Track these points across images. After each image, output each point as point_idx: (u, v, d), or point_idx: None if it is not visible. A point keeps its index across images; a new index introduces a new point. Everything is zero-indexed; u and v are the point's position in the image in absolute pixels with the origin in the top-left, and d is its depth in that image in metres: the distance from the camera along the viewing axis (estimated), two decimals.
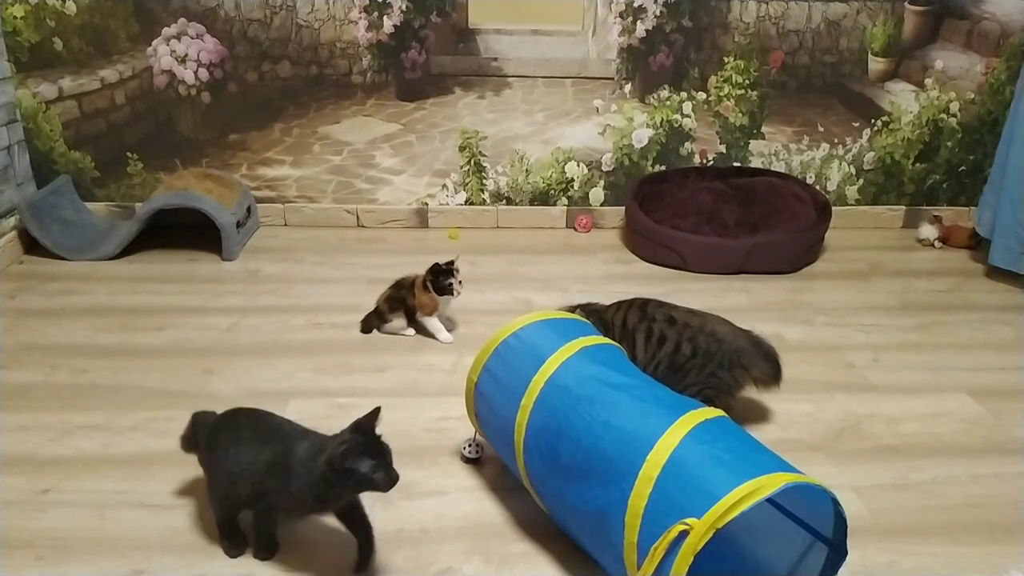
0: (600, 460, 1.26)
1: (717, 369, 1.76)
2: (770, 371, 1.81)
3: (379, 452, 1.25)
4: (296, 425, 1.41)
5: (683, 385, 1.76)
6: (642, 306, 1.87)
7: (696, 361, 1.77)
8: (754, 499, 1.08)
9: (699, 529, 1.07)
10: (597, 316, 1.89)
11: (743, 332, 1.82)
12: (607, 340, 1.56)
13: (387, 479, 1.24)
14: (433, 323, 2.20)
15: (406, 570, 1.42)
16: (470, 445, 1.70)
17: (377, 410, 1.29)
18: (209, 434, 1.43)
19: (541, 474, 1.40)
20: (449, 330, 2.23)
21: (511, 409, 1.44)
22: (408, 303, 2.20)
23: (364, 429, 1.27)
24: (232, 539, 1.43)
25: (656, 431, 1.22)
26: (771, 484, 1.09)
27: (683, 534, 1.09)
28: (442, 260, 2.16)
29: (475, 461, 1.70)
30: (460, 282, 2.16)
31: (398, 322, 2.22)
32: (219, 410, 1.86)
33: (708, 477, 1.13)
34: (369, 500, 1.56)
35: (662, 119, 2.99)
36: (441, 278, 2.14)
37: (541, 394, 1.41)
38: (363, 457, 1.23)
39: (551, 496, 1.41)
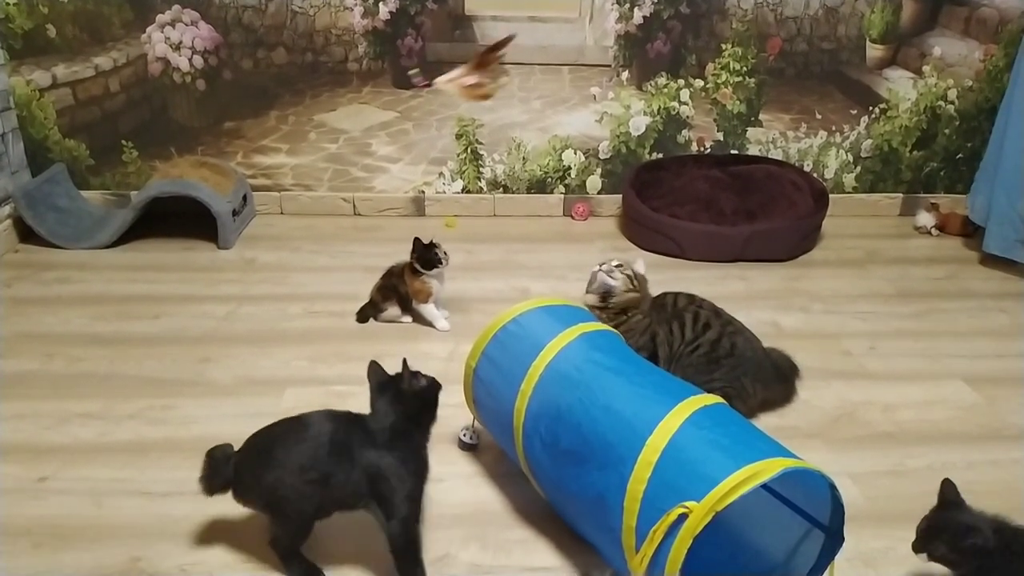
0: (599, 445, 1.27)
1: (743, 375, 1.79)
2: (782, 393, 1.89)
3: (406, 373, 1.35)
4: (318, 412, 1.36)
5: (711, 378, 1.77)
6: (689, 295, 1.92)
7: (731, 360, 1.79)
8: (753, 483, 1.08)
9: (698, 512, 1.08)
10: (651, 303, 1.93)
11: (769, 353, 1.87)
12: (606, 326, 1.56)
13: (432, 380, 1.37)
14: (429, 310, 2.20)
15: None
16: (467, 431, 1.71)
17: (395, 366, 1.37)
18: (247, 466, 1.31)
19: (540, 459, 1.40)
20: (444, 317, 2.23)
21: (510, 394, 1.44)
22: (400, 290, 2.19)
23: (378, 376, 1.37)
24: (306, 569, 1.36)
25: (655, 416, 1.22)
26: (770, 469, 1.09)
27: (682, 517, 1.09)
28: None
29: (472, 447, 1.70)
30: (445, 252, 2.15)
31: (393, 310, 2.22)
32: (218, 400, 1.87)
33: (707, 461, 1.13)
34: None
35: (659, 107, 2.98)
36: (425, 252, 2.13)
37: (540, 379, 1.41)
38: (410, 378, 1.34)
39: (549, 481, 1.41)
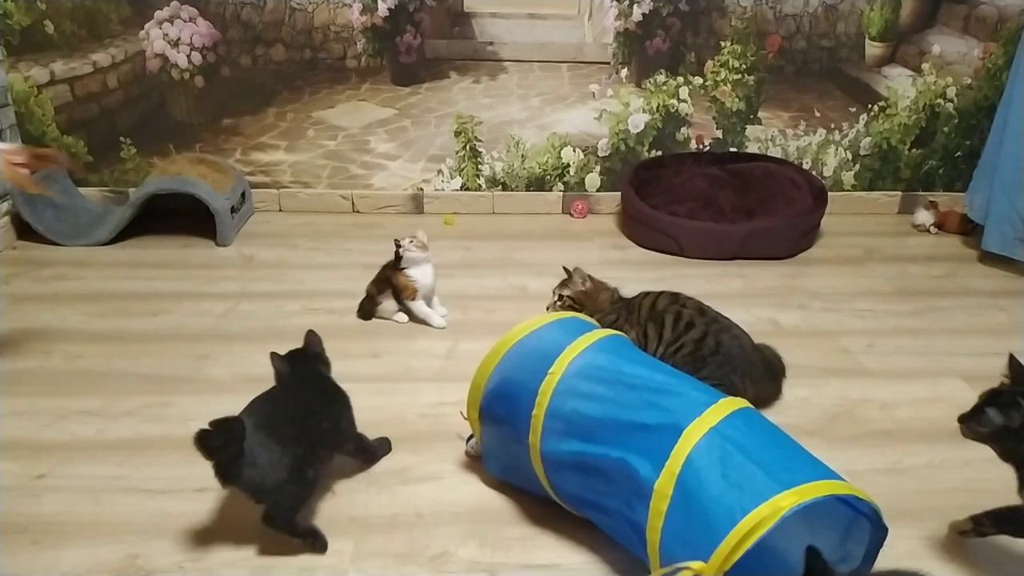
0: (609, 495, 1.27)
1: (731, 372, 1.78)
2: (770, 389, 1.89)
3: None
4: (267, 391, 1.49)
5: (699, 377, 1.75)
6: (674, 295, 1.92)
7: (717, 358, 1.79)
8: (761, 531, 1.06)
9: (707, 573, 1.07)
10: (623, 303, 1.97)
11: (758, 348, 1.87)
12: (605, 331, 1.50)
13: None
14: (420, 307, 2.19)
15: (401, 554, 1.42)
16: (475, 443, 1.68)
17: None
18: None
19: (578, 508, 1.43)
20: (441, 315, 2.23)
21: (522, 451, 1.43)
22: (393, 282, 2.20)
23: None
24: (311, 531, 1.41)
25: (663, 449, 1.19)
26: (775, 513, 1.07)
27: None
28: (436, 246, 2.17)
29: (479, 458, 1.69)
30: (411, 240, 2.15)
31: (388, 304, 2.22)
32: (216, 397, 1.87)
33: (712, 510, 1.11)
34: (365, 484, 1.58)
35: (658, 104, 2.98)
36: (397, 251, 2.16)
37: (543, 430, 1.38)
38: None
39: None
